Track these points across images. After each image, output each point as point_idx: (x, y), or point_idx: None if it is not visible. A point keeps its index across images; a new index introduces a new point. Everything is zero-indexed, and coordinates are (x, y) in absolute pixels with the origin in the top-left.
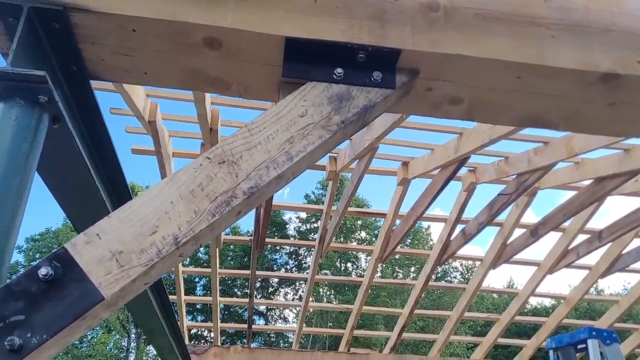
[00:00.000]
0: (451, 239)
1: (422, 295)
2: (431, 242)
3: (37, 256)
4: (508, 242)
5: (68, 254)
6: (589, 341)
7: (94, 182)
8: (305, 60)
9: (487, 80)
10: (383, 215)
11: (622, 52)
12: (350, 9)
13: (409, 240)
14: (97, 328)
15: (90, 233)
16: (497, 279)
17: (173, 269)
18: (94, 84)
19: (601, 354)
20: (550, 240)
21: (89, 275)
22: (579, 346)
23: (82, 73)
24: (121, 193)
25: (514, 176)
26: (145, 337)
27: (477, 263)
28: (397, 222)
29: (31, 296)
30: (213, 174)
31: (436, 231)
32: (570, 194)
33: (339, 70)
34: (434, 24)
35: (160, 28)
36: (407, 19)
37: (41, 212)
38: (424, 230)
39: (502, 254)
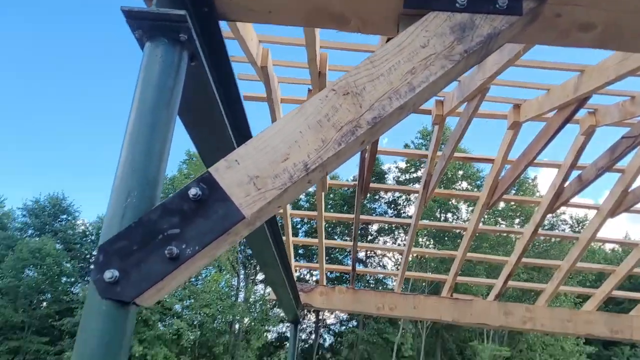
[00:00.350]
0: (565, 185)
1: (529, 246)
2: (538, 193)
3: None
4: (630, 189)
5: (212, 177)
6: None
7: (223, 120)
8: None
9: (624, 1)
10: (491, 160)
11: None
12: None
13: (514, 191)
14: (210, 267)
15: (230, 159)
16: (611, 232)
17: (281, 210)
18: None
19: None
20: None
21: (231, 196)
22: None
23: (212, 14)
24: (244, 133)
25: None
26: (253, 277)
27: (589, 216)
28: (505, 169)
29: (184, 213)
30: (338, 104)
31: (543, 182)
32: None
33: None
34: None
35: None
36: None
37: None
38: (530, 181)
39: (623, 202)
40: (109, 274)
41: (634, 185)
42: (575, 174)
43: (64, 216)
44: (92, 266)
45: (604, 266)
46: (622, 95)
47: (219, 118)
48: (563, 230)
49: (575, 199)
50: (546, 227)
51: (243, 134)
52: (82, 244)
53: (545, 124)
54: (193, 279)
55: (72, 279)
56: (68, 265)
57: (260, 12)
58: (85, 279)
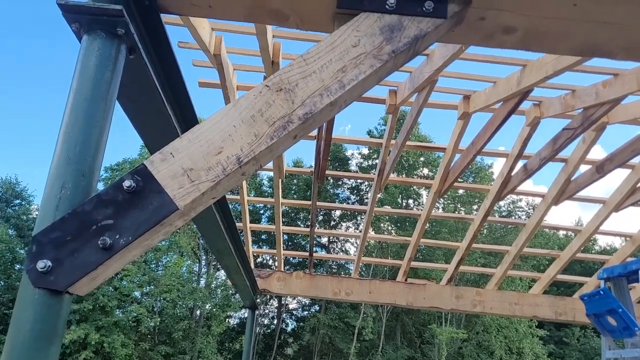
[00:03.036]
0: (512, 174)
1: (485, 232)
2: (493, 181)
3: None
4: (572, 178)
5: (147, 170)
6: None
7: (165, 109)
8: None
9: (542, 8)
10: (442, 149)
11: None
12: None
13: (472, 179)
14: (171, 253)
15: (165, 152)
16: (564, 220)
17: (239, 197)
18: (163, 18)
19: None
20: (617, 177)
21: (165, 188)
22: (631, 277)
23: (153, 7)
24: (190, 120)
25: (581, 110)
26: (215, 262)
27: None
28: (457, 157)
29: (118, 204)
30: (271, 100)
31: (499, 169)
32: None
33: (392, 0)
34: None
35: None
36: None
37: (118, 144)
38: (487, 168)
39: (566, 190)
40: (42, 264)
41: (576, 175)
42: (522, 163)
43: (18, 201)
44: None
45: (549, 251)
46: (563, 88)
47: (161, 109)
48: (520, 217)
49: (525, 187)
50: (504, 213)
51: (189, 123)
52: None
53: (492, 114)
54: (153, 265)
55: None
56: (22, 251)
57: (201, 7)
58: None
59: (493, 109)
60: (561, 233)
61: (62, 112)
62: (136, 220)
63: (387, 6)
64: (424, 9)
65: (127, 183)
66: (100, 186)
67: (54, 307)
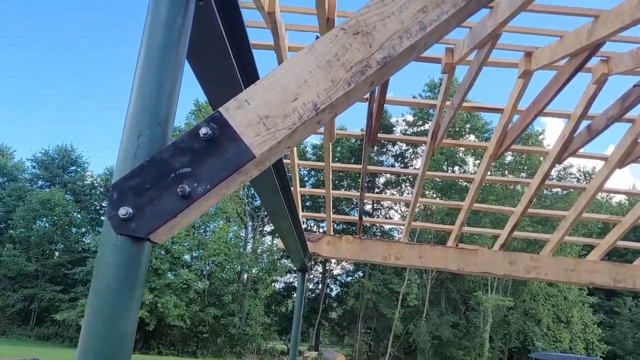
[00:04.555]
0: (574, 136)
1: (535, 197)
2: (547, 146)
3: None
4: None
5: (222, 117)
6: None
7: (231, 61)
8: None
9: None
10: (500, 110)
11: None
12: None
13: (520, 144)
14: (218, 219)
15: (240, 99)
16: (617, 186)
17: (289, 162)
18: None
19: None
20: None
21: (241, 135)
22: None
23: None
24: (252, 74)
25: None
26: (261, 228)
27: (597, 168)
28: (515, 119)
29: (195, 152)
30: (348, 44)
31: (549, 137)
32: None
33: None
34: None
35: None
36: None
37: None
38: (537, 134)
39: (632, 152)
40: (124, 211)
41: None
42: (584, 124)
43: (73, 168)
44: (105, 203)
45: (609, 216)
46: (637, 42)
47: (227, 60)
48: (571, 183)
49: (583, 150)
50: (554, 181)
51: (250, 77)
52: (91, 194)
53: (556, 72)
54: (202, 229)
55: (83, 230)
56: (78, 215)
57: None
58: (96, 229)
59: (557, 67)
60: (613, 201)
61: (133, 70)
62: (213, 168)
63: None
64: None
65: (203, 130)
66: None
67: (136, 253)
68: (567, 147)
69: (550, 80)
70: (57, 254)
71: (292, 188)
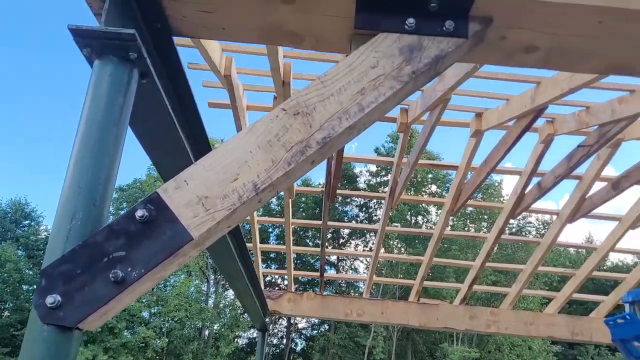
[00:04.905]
0: (526, 192)
1: (495, 250)
2: (503, 198)
3: (124, 205)
4: (587, 195)
5: (160, 198)
6: None
7: (178, 133)
8: (377, 11)
9: (566, 26)
10: (455, 167)
11: None
12: None
13: (480, 196)
14: (179, 273)
15: (179, 179)
16: (574, 236)
17: (248, 218)
18: (174, 41)
19: None
20: (633, 195)
21: (179, 217)
22: None
23: (165, 30)
24: (201, 144)
25: (596, 127)
26: (223, 281)
27: (554, 218)
28: (469, 175)
29: (130, 235)
30: (288, 124)
31: (508, 187)
32: None
33: (411, 20)
34: None
35: None
36: None
37: (128, 165)
38: (496, 185)
39: (581, 208)
40: (51, 299)
41: (591, 192)
42: (536, 180)
43: (27, 222)
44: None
45: (565, 269)
46: (578, 105)
47: (173, 132)
48: (530, 233)
49: (538, 204)
50: (514, 230)
51: (201, 147)
52: (44, 250)
53: (505, 132)
54: (161, 285)
55: (35, 287)
56: (30, 272)
57: (214, 29)
58: None
59: (506, 127)
60: (571, 250)
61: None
62: (149, 251)
63: (406, 26)
64: (444, 28)
65: (139, 213)
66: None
67: (63, 343)
68: (520, 203)
69: (500, 140)
70: (6, 313)
71: (250, 244)
